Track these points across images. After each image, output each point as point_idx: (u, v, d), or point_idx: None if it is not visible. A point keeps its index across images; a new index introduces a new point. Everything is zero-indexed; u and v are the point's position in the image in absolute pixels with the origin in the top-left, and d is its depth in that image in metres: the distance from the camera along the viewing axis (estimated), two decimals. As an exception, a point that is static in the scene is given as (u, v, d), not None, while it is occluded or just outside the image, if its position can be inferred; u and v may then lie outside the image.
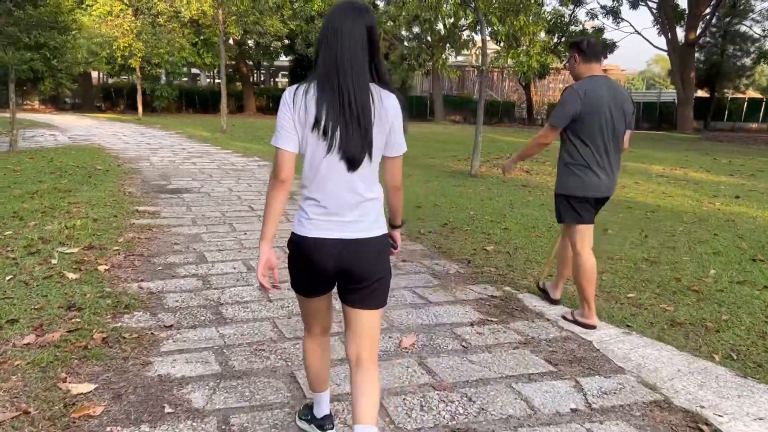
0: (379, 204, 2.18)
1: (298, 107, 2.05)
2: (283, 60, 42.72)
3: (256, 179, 9.80)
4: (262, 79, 50.88)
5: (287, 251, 2.22)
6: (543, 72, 23.41)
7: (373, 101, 2.04)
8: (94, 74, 35.43)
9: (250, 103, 35.29)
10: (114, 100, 35.09)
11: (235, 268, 4.87)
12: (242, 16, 18.33)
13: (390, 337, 3.62)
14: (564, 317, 4.05)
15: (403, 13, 26.21)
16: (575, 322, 3.95)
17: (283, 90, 39.33)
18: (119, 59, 23.14)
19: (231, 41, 31.34)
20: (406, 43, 33.34)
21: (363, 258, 2.13)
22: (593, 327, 3.86)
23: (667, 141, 23.86)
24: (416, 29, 35.77)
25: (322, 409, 2.55)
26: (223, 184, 9.20)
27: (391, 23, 30.34)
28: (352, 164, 2.06)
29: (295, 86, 2.10)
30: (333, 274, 2.15)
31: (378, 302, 2.22)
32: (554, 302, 4.32)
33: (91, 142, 14.77)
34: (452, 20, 31.01)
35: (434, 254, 5.57)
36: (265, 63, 41.26)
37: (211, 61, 28.87)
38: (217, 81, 41.19)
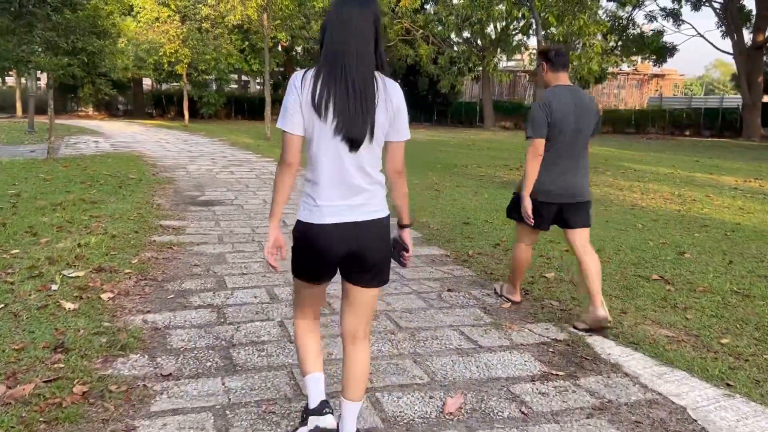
0: (383, 188, 2.25)
1: (305, 91, 2.09)
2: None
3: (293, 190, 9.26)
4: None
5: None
6: (601, 76, 22.33)
7: (377, 87, 2.12)
8: (147, 81, 35.86)
9: (297, 109, 35.07)
10: (164, 106, 35.43)
11: (256, 297, 4.26)
12: (287, 20, 17.93)
13: (431, 397, 2.93)
14: (495, 290, 4.54)
15: (452, 17, 25.56)
16: (501, 296, 4.45)
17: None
18: (166, 65, 23.12)
19: (279, 48, 31.22)
20: (455, 48, 32.63)
21: (373, 239, 2.21)
22: (518, 302, 4.32)
23: (733, 149, 22.41)
24: (466, 33, 35.07)
25: (315, 393, 2.37)
26: (259, 195, 8.66)
27: (441, 27, 29.75)
28: (354, 145, 2.11)
29: (303, 71, 2.15)
30: (341, 257, 2.20)
31: (381, 280, 2.31)
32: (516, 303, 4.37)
33: (132, 149, 14.56)
34: (504, 23, 30.20)
35: (485, 282, 4.86)
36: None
37: (258, 68, 28.74)
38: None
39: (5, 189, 8.03)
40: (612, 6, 31.12)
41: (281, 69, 36.50)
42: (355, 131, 2.09)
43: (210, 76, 27.02)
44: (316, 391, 2.36)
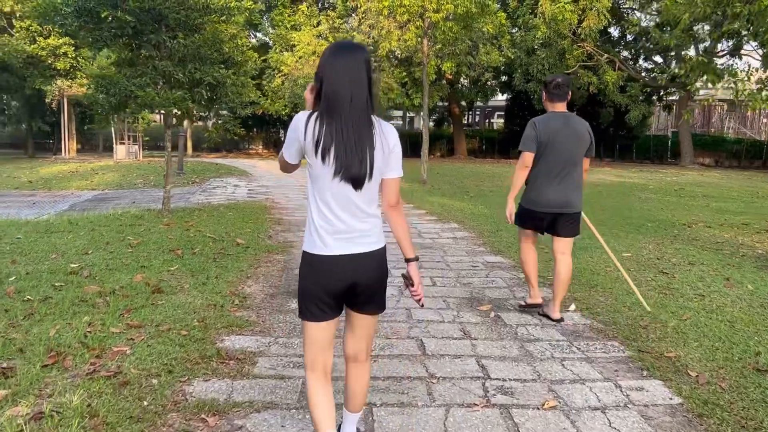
0: (380, 221, 2.44)
1: (308, 136, 2.26)
2: (499, 99, 39.61)
3: (447, 268, 6.44)
4: (476, 119, 48.23)
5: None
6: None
7: (374, 130, 2.30)
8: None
9: (460, 146, 32.48)
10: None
11: None
12: (451, 44, 15.36)
13: None
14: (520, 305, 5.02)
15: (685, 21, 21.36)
16: (523, 306, 4.95)
17: (498, 131, 36.13)
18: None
19: (444, 81, 28.97)
20: (645, 74, 28.27)
21: (371, 269, 2.39)
22: (539, 304, 4.86)
23: None
24: (657, 58, 30.45)
25: None
26: (395, 277, 5.98)
27: (654, 38, 25.66)
28: (357, 184, 2.29)
29: (307, 113, 2.31)
30: (344, 287, 2.36)
31: (379, 306, 2.50)
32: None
33: (267, 196, 12.67)
34: (707, 43, 25.47)
35: None
36: (479, 103, 38.46)
37: (420, 103, 26.60)
38: (430, 123, 39.32)
39: (68, 262, 6.08)
40: None
41: (445, 103, 34.23)
42: (355, 172, 2.26)
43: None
44: None
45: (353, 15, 21.09)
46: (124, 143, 25.09)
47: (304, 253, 2.37)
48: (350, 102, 2.23)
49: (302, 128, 2.27)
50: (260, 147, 39.28)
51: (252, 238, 7.65)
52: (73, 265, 5.93)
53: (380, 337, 4.29)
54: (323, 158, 2.23)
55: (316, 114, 2.26)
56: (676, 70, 25.32)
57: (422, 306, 2.58)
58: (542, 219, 4.63)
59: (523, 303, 4.97)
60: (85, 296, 4.89)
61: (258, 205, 10.95)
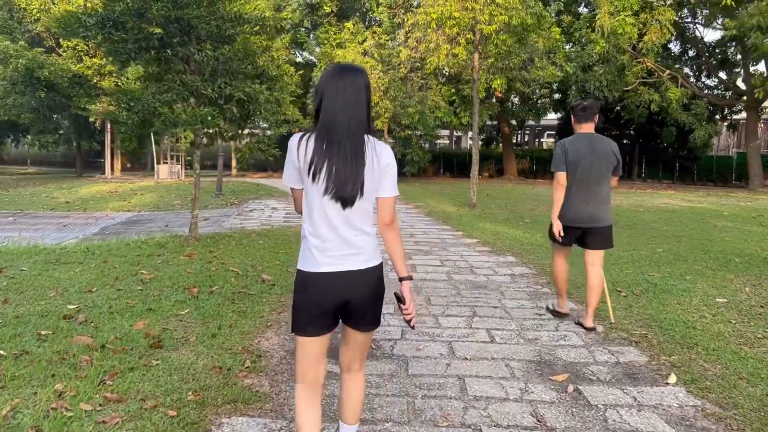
0: (374, 239, 2.45)
1: (301, 156, 2.33)
2: (549, 119, 38.20)
3: (506, 316, 5.38)
4: (526, 139, 46.80)
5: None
6: None
7: (367, 148, 2.34)
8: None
9: (510, 166, 31.20)
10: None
11: None
12: (504, 59, 14.31)
13: None
14: (547, 308, 5.51)
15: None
16: (552, 311, 5.37)
17: (548, 150, 34.73)
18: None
19: (494, 99, 27.90)
20: (707, 92, 26.61)
21: (364, 286, 2.41)
22: (566, 314, 5.25)
23: None
24: (723, 73, 28.71)
25: None
26: (445, 329, 4.94)
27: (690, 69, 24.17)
28: (346, 203, 2.34)
29: (300, 134, 2.38)
30: (337, 304, 2.39)
31: (373, 322, 2.51)
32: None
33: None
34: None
35: None
36: (530, 122, 37.14)
37: (468, 121, 25.57)
38: (479, 142, 38.18)
39: (67, 302, 5.28)
40: None
41: (494, 122, 33.06)
42: (346, 192, 2.31)
43: (416, 131, 24.28)
44: None
45: (400, 30, 20.28)
46: (166, 163, 24.81)
47: (298, 270, 2.43)
48: (348, 125, 2.29)
49: (295, 149, 2.35)
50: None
51: (280, 272, 6.74)
52: (70, 306, 5.12)
53: (426, 423, 3.27)
54: (314, 177, 2.30)
55: (308, 134, 2.35)
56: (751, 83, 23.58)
57: (413, 327, 2.56)
58: (572, 233, 5.00)
59: (551, 307, 5.44)
60: (69, 350, 4.05)
61: (292, 231, 10.07)
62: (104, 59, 22.38)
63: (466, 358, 4.26)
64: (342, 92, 2.29)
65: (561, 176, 4.88)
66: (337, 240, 2.36)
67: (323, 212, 2.34)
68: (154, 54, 8.26)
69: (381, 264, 2.47)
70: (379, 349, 4.42)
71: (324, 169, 2.28)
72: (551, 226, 5.01)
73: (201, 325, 4.75)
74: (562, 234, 4.93)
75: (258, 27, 8.48)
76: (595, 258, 5.00)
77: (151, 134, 17.91)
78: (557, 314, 5.27)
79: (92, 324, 4.69)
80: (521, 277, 6.94)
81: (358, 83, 2.32)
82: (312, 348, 2.44)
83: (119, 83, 19.99)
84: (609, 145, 4.91)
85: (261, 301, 5.56)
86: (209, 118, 7.85)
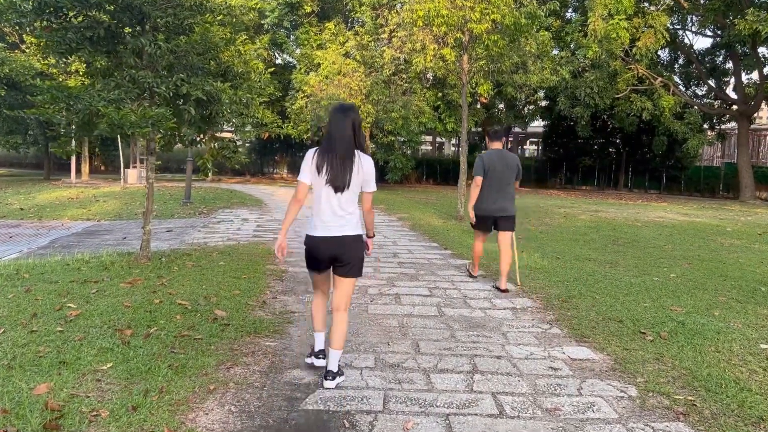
0: (356, 217, 3.87)
1: (313, 162, 3.80)
2: (533, 126, 37.44)
3: (514, 372, 4.33)
4: (509, 147, 45.98)
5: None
6: None
7: (355, 159, 3.79)
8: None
9: (496, 174, 30.24)
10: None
11: None
12: (495, 61, 13.32)
13: None
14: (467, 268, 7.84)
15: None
16: (469, 273, 7.58)
17: (534, 159, 33.85)
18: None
19: (479, 105, 27.00)
20: (696, 100, 25.92)
21: (349, 247, 3.83)
22: (474, 277, 7.39)
23: None
24: (712, 81, 28.09)
25: (318, 344, 4.15)
26: (439, 393, 3.88)
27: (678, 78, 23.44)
28: (338, 190, 3.77)
29: (314, 149, 3.86)
30: (328, 257, 3.85)
31: (354, 274, 3.93)
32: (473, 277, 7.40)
33: (275, 235, 10.70)
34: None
35: None
36: (516, 129, 36.33)
37: (453, 127, 24.61)
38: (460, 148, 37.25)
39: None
40: None
41: (478, 129, 32.16)
42: (339, 182, 3.76)
43: (398, 137, 23.22)
44: (319, 342, 4.15)
45: (383, 28, 19.22)
46: (136, 167, 23.50)
47: (306, 235, 3.91)
48: (340, 141, 3.78)
49: (310, 159, 3.82)
50: (285, 172, 37.56)
51: (238, 306, 5.62)
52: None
53: None
54: (318, 171, 3.77)
55: (317, 149, 3.85)
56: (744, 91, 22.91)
57: (369, 255, 4.10)
58: (488, 220, 6.88)
59: (467, 269, 7.63)
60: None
61: (261, 249, 8.92)
62: (72, 56, 21.07)
63: (470, 444, 3.20)
64: (337, 122, 3.82)
65: (478, 179, 6.75)
66: (331, 215, 3.80)
67: (325, 196, 3.79)
68: (101, 46, 7.12)
69: (361, 234, 3.93)
70: (354, 428, 3.34)
71: (325, 166, 3.75)
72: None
73: (123, 390, 3.64)
74: (474, 221, 6.93)
75: (222, 17, 7.38)
76: (505, 237, 6.82)
77: (118, 137, 16.63)
78: (470, 276, 7.36)
79: (-20, 386, 3.56)
80: (524, 312, 5.90)
81: (348, 117, 3.80)
82: (319, 277, 4.06)
83: (84, 82, 18.64)
84: (513, 158, 6.86)
85: (208, 349, 4.45)
86: (161, 120, 6.72)
